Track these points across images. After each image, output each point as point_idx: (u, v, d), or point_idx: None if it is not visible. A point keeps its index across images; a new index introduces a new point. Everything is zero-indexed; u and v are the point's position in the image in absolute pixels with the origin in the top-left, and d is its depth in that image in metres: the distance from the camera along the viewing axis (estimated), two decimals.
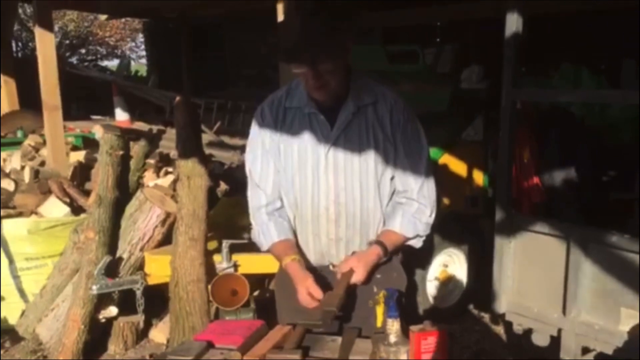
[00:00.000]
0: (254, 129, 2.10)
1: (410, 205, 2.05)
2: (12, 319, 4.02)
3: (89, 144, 6.24)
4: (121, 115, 10.14)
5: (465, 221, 4.33)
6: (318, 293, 1.92)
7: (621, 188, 4.51)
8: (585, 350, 2.99)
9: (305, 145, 2.01)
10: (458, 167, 4.35)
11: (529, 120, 3.98)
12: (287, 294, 2.09)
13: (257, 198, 2.10)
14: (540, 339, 3.17)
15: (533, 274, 3.18)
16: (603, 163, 4.52)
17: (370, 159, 2.00)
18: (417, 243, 2.10)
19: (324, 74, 1.88)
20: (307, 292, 1.93)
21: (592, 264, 2.91)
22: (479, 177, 4.47)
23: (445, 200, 4.31)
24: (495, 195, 3.60)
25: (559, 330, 3.04)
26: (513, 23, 3.08)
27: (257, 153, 2.09)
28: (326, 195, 2.01)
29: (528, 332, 3.27)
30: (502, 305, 3.31)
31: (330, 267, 2.09)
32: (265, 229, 2.07)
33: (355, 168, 2.00)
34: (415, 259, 3.84)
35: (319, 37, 1.82)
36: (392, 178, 2.05)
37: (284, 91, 2.08)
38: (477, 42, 8.10)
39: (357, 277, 1.95)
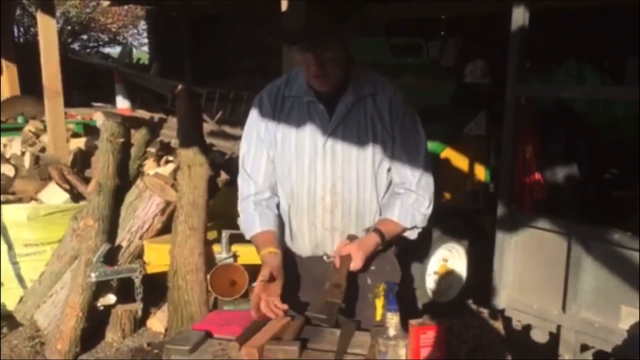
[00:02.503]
0: (251, 117, 2.10)
1: (408, 196, 2.03)
2: (10, 305, 4.02)
3: (90, 131, 6.23)
4: (122, 103, 10.08)
5: (466, 216, 4.32)
6: (282, 307, 1.87)
7: (623, 186, 4.50)
8: (584, 348, 2.99)
9: (303, 134, 2.00)
10: (460, 161, 4.33)
11: (531, 116, 3.96)
12: (286, 286, 2.07)
13: (246, 187, 2.09)
14: (539, 335, 3.17)
15: (533, 270, 3.17)
16: (605, 161, 4.51)
17: (368, 150, 1.98)
18: (412, 234, 2.09)
19: (326, 62, 1.87)
20: (272, 303, 1.87)
21: (592, 261, 2.90)
22: (480, 172, 4.45)
23: (447, 195, 4.29)
24: (496, 191, 3.58)
25: (558, 327, 3.04)
26: (519, 17, 3.05)
27: (251, 142, 2.08)
28: (323, 184, 2.00)
29: (527, 328, 3.27)
30: (502, 300, 3.30)
31: (325, 258, 2.08)
32: (250, 218, 2.06)
33: (352, 158, 1.98)
34: (411, 252, 3.83)
35: (323, 24, 1.82)
36: (389, 170, 2.04)
37: (283, 80, 2.07)
38: (482, 36, 8.08)
39: (354, 265, 1.93)
